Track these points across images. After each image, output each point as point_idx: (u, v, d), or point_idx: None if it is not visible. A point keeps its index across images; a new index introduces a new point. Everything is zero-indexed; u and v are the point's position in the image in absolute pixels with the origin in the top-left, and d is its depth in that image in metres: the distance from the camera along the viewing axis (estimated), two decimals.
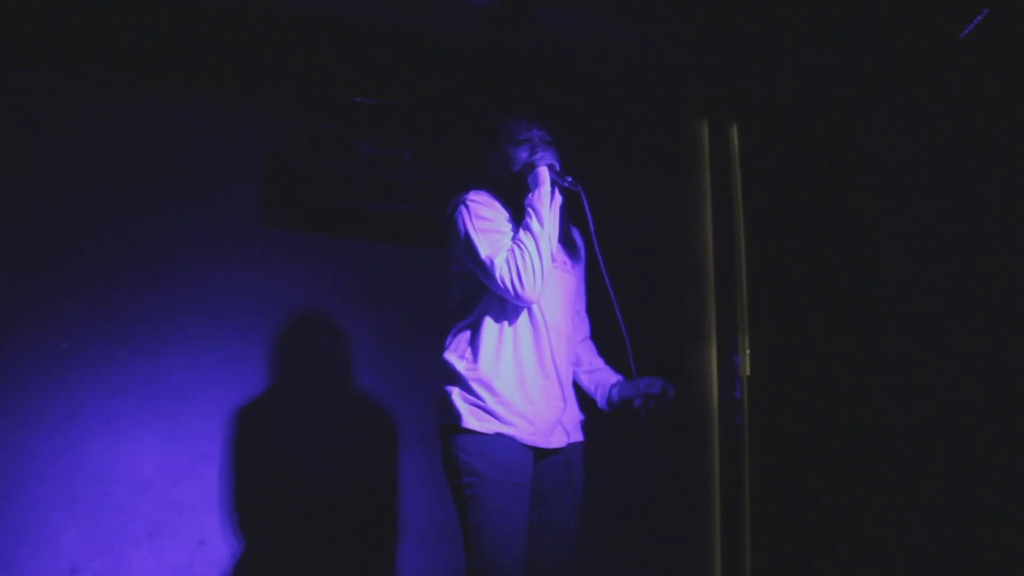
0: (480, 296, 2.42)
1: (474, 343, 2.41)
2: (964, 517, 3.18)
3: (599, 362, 2.73)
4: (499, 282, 2.30)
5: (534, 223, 2.34)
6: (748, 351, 4.08)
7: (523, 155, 2.50)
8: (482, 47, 3.68)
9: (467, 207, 2.43)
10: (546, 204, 2.36)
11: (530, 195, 2.39)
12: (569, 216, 2.58)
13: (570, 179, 2.42)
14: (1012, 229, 3.07)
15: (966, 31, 3.16)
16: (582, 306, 2.71)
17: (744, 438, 4.05)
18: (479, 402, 2.36)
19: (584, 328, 2.74)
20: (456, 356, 2.44)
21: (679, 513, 4.05)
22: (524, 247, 2.31)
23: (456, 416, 2.37)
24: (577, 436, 2.54)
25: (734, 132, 4.29)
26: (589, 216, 2.43)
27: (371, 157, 3.53)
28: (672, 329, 4.19)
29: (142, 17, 3.27)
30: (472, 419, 2.35)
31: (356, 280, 3.58)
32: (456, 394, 2.40)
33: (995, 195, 3.15)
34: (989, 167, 3.18)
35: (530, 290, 2.29)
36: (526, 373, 2.39)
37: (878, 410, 3.53)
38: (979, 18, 3.08)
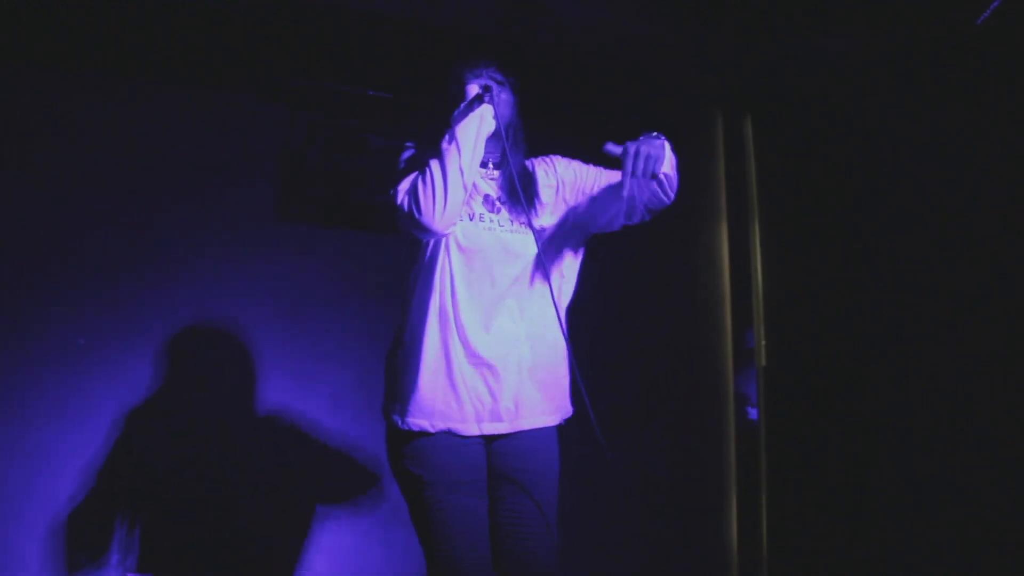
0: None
1: None
2: (984, 512, 3.14)
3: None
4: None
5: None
6: (764, 342, 4.05)
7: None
8: (495, 39, 3.67)
9: None
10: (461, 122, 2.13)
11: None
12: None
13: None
14: None
15: (983, 17, 3.12)
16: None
17: (760, 430, 4.02)
18: None
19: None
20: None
21: (695, 507, 4.03)
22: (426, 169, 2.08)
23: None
24: None
25: (748, 123, 4.26)
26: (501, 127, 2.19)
27: (383, 150, 3.53)
28: (687, 319, 4.17)
29: (157, 12, 3.28)
30: None
31: (369, 273, 3.58)
32: None
33: (1018, 182, 3.09)
34: (1010, 154, 3.13)
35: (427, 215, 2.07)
36: None
37: (895, 402, 3.50)
38: (996, 3, 3.03)
